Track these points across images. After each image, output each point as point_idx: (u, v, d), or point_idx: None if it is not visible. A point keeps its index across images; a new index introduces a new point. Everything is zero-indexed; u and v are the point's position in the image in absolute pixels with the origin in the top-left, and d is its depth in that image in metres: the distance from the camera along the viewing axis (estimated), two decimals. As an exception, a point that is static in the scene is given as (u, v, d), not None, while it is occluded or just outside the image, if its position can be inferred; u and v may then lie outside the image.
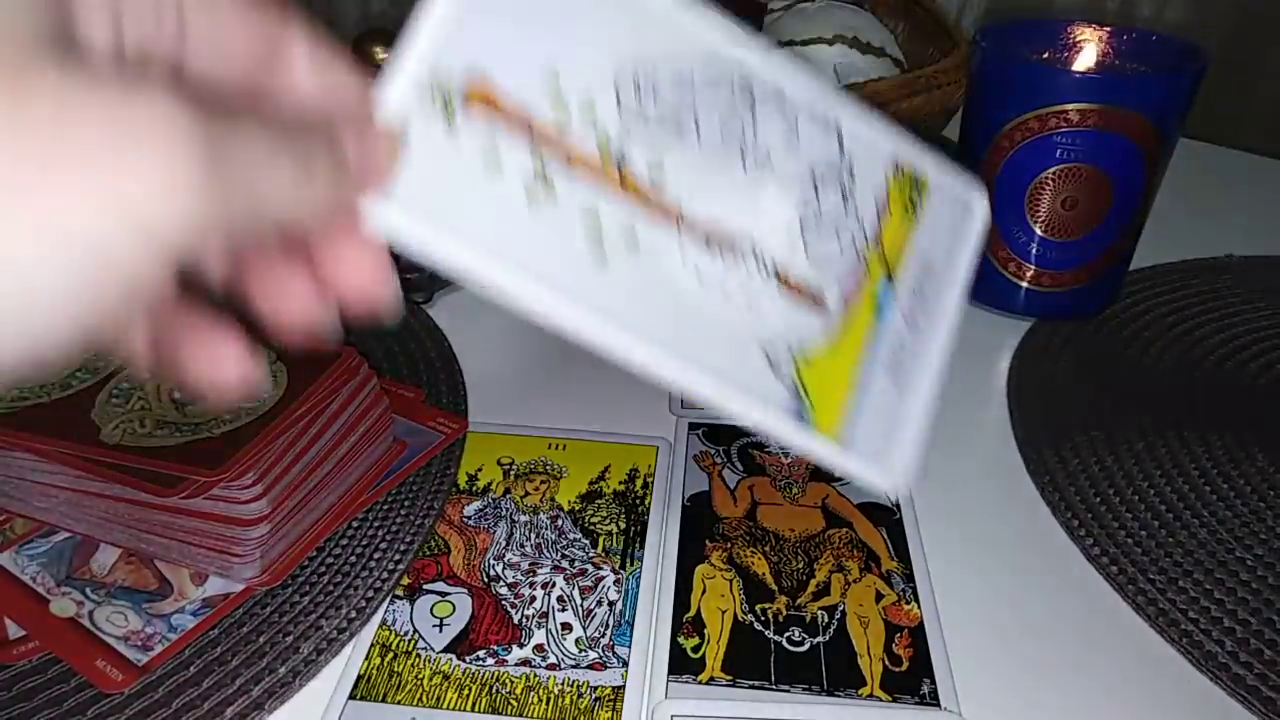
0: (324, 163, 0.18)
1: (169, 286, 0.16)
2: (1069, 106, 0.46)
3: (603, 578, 0.36)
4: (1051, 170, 0.48)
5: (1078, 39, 0.52)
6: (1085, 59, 0.52)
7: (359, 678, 0.32)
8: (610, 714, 0.31)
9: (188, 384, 0.20)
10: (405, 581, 0.36)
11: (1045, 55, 0.52)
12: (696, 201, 0.23)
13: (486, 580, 0.36)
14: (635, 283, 0.22)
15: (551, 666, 0.33)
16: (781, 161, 0.24)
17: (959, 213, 0.27)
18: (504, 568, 0.37)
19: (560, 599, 0.35)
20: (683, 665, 0.33)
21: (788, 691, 0.32)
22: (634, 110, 0.23)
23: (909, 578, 0.36)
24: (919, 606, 0.35)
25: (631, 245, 0.23)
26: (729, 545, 0.38)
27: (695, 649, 0.33)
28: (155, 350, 0.20)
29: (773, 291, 0.24)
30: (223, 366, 0.20)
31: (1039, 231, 0.50)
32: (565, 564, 0.37)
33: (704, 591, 0.36)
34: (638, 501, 0.40)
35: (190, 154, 0.15)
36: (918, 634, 0.34)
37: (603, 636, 0.34)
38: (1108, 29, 0.52)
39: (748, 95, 0.24)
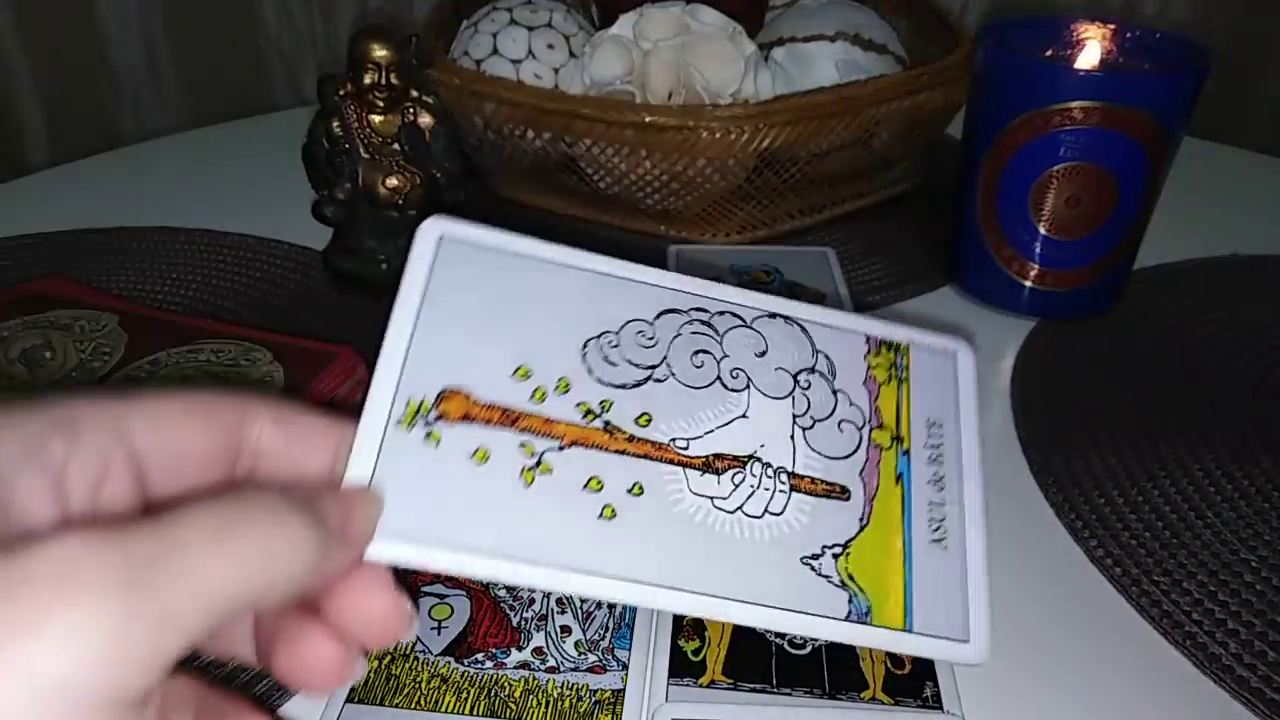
0: (300, 528, 0.18)
1: (169, 698, 0.16)
2: (1072, 104, 0.46)
3: (602, 579, 0.36)
4: (1055, 168, 0.48)
5: (1081, 36, 0.52)
6: (1089, 56, 0.51)
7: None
8: (610, 717, 0.31)
9: None
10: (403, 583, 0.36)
11: (1048, 52, 0.52)
12: (691, 437, 0.24)
13: (485, 582, 0.36)
14: (654, 533, 0.23)
15: (551, 669, 0.32)
16: (760, 376, 0.25)
17: (947, 364, 0.27)
18: (503, 569, 0.36)
19: (559, 601, 0.35)
20: (683, 668, 0.32)
21: (789, 695, 0.32)
22: (608, 375, 0.24)
23: (911, 580, 0.36)
24: (921, 609, 0.35)
25: (639, 498, 0.23)
26: (730, 547, 0.37)
27: (696, 652, 0.33)
28: None
29: (791, 498, 0.24)
30: None
31: (1042, 230, 0.50)
32: (564, 566, 0.37)
33: (704, 593, 0.35)
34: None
35: (105, 595, 0.15)
36: (920, 637, 0.34)
37: (602, 639, 0.33)
38: (1111, 26, 0.51)
39: (709, 326, 0.25)
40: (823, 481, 0.25)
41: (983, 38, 0.50)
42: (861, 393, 0.26)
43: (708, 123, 0.52)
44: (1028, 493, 0.41)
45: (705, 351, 0.25)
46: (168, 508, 0.17)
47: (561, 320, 0.24)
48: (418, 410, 0.22)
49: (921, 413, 0.26)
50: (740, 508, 0.24)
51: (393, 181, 0.50)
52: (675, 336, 0.25)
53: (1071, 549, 0.38)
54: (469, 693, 0.31)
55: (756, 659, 0.33)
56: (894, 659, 0.33)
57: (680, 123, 0.52)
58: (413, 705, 0.31)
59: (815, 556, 0.24)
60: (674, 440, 0.24)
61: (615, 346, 0.24)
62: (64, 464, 0.18)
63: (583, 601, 0.35)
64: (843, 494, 0.25)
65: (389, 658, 0.33)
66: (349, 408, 0.22)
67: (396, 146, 0.50)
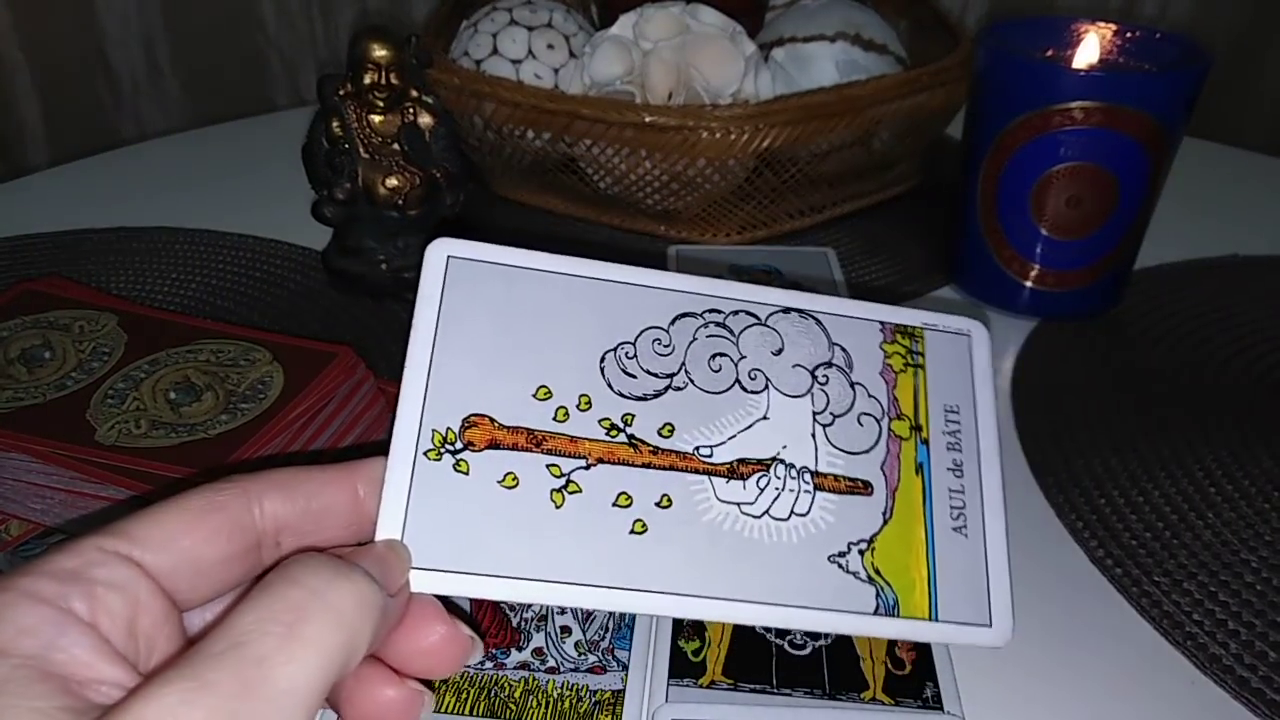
0: (354, 590, 0.19)
1: None
2: (1072, 105, 0.46)
3: (602, 580, 0.36)
4: (1055, 169, 0.48)
5: (1081, 36, 0.52)
6: (1089, 57, 0.51)
7: (356, 681, 0.32)
8: (610, 718, 0.31)
9: None
10: (403, 583, 0.36)
11: (1049, 53, 0.52)
12: (714, 444, 0.24)
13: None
14: (684, 544, 0.23)
15: (551, 670, 0.32)
16: (778, 375, 0.25)
17: (961, 346, 0.28)
18: (503, 570, 0.36)
19: (559, 601, 0.35)
20: (683, 669, 0.32)
21: (789, 695, 0.31)
22: (628, 387, 0.24)
23: (911, 580, 0.36)
24: (922, 609, 0.35)
25: (668, 510, 0.23)
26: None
27: (696, 652, 0.33)
28: None
29: (816, 498, 0.24)
30: None
31: (1043, 230, 0.50)
32: (564, 566, 0.37)
33: (704, 594, 0.35)
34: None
35: None
36: (920, 637, 0.34)
37: (602, 640, 0.33)
38: (1111, 26, 0.51)
39: (724, 327, 0.25)
40: (845, 478, 0.25)
41: (983, 38, 0.50)
42: (879, 383, 0.26)
43: (707, 123, 0.52)
44: (1028, 493, 0.41)
45: (722, 354, 0.25)
46: (212, 611, 0.18)
47: (577, 334, 0.24)
48: (444, 440, 0.22)
49: (938, 399, 0.26)
50: (767, 511, 0.24)
51: (392, 181, 0.50)
52: (691, 341, 0.25)
53: (1072, 549, 0.38)
54: (469, 693, 0.31)
55: (756, 659, 0.33)
56: (894, 660, 0.33)
57: (680, 123, 0.52)
58: (412, 706, 0.31)
59: (842, 554, 0.24)
60: (698, 449, 0.24)
61: (632, 357, 0.24)
62: (93, 618, 0.18)
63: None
64: (865, 489, 0.25)
65: (389, 658, 0.33)
66: (356, 450, 0.22)
67: (396, 146, 0.50)
